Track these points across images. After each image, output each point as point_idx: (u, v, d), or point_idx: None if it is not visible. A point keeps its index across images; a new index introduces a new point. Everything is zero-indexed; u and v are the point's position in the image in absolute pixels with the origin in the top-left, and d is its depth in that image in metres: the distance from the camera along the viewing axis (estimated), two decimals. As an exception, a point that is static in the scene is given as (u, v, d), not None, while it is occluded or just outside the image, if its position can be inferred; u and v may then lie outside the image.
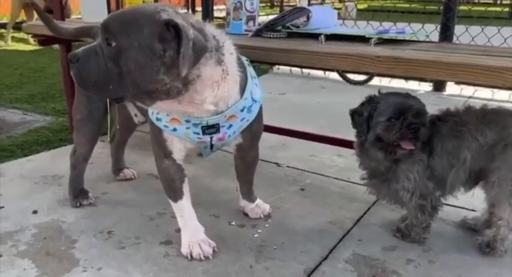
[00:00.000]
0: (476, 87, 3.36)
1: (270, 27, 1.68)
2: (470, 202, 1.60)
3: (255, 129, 1.41)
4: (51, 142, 2.33)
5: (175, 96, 1.14)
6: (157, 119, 1.30)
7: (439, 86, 3.45)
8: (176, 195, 1.41)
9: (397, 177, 1.44)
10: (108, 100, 1.61)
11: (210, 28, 1.20)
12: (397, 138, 1.36)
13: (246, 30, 1.76)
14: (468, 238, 1.52)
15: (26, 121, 2.71)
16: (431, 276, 1.34)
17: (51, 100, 3.10)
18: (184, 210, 1.42)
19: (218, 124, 1.28)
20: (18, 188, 1.82)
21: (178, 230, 1.50)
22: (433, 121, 1.45)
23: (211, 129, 1.27)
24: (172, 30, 1.08)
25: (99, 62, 1.10)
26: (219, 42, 1.20)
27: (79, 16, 2.31)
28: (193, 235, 1.43)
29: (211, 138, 1.29)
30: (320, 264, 1.38)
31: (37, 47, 4.96)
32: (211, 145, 1.33)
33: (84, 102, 1.62)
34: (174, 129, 1.29)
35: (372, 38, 1.49)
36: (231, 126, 1.31)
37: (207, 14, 2.60)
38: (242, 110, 1.30)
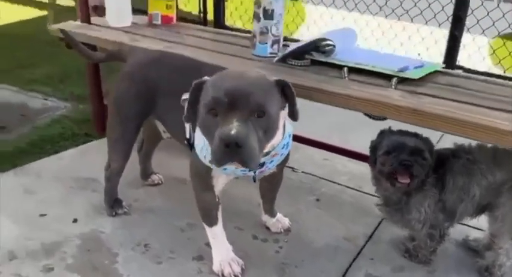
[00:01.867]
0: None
1: (294, 55, 1.75)
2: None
3: (286, 158, 1.54)
4: (77, 137, 2.44)
5: None
6: (210, 162, 1.39)
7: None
8: (212, 222, 1.55)
9: (409, 208, 1.59)
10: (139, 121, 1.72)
11: None
12: (389, 171, 1.50)
13: (270, 53, 1.83)
14: (469, 259, 1.69)
15: (48, 108, 2.80)
16: (434, 298, 1.53)
17: (69, 82, 3.17)
18: (218, 234, 1.58)
19: (264, 162, 1.40)
20: (56, 192, 1.96)
21: (208, 244, 1.66)
22: (447, 156, 1.58)
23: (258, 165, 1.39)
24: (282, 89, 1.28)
25: (254, 137, 1.19)
26: None
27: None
28: (223, 254, 1.59)
29: (254, 172, 1.42)
30: (337, 284, 1.57)
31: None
32: (254, 178, 1.46)
33: (117, 123, 1.71)
34: (225, 169, 1.39)
35: (393, 78, 1.58)
36: (272, 161, 1.43)
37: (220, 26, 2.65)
38: (282, 148, 1.42)
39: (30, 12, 5.08)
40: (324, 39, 1.76)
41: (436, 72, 1.73)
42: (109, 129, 1.76)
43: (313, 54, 1.77)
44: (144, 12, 2.42)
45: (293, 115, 1.30)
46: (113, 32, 2.12)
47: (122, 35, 2.06)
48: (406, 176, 1.48)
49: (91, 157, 2.24)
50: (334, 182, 2.14)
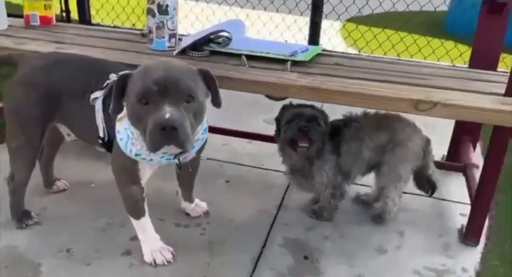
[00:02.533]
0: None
1: (194, 46, 1.84)
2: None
3: (204, 144, 1.64)
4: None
5: None
6: (137, 155, 1.43)
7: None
8: (139, 214, 1.59)
9: (312, 173, 1.81)
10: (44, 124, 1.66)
11: None
12: (291, 137, 1.71)
13: (168, 47, 1.90)
14: (363, 210, 1.99)
15: None
16: (343, 247, 1.77)
17: None
18: (145, 225, 1.61)
19: None
20: None
21: (133, 238, 1.70)
22: (339, 126, 1.83)
23: (181, 153, 1.46)
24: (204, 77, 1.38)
25: (187, 120, 1.27)
26: None
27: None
28: (153, 244, 1.63)
29: (179, 159, 1.49)
30: (262, 252, 1.72)
31: None
32: (179, 165, 1.52)
33: (19, 132, 1.63)
34: (151, 160, 1.45)
35: (287, 62, 1.77)
36: (193, 146, 1.51)
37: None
38: (202, 133, 1.51)
39: None
40: (220, 31, 1.88)
41: (318, 54, 1.97)
42: (10, 138, 1.66)
43: (211, 45, 1.88)
44: (14, 15, 2.29)
45: (217, 102, 1.41)
46: (-10, 36, 1.97)
47: (2, 39, 1.93)
48: (305, 140, 1.69)
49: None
50: (238, 164, 2.29)
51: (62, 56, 1.68)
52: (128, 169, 1.50)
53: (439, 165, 2.08)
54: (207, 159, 2.29)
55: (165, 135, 1.24)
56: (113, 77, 1.53)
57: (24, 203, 1.78)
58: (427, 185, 1.94)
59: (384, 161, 1.83)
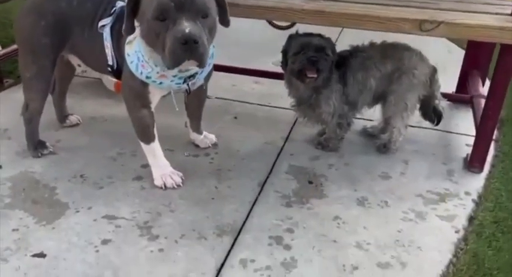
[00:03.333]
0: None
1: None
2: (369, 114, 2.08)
3: (211, 70, 1.67)
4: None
5: None
6: (147, 77, 1.48)
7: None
8: (149, 139, 1.64)
9: (319, 103, 1.83)
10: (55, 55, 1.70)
11: None
12: (299, 68, 1.71)
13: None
14: (369, 142, 2.01)
15: None
16: (348, 174, 1.81)
17: None
18: (155, 150, 1.67)
19: (197, 72, 1.51)
20: (-33, 146, 1.88)
21: (144, 166, 1.77)
22: (346, 57, 1.83)
23: (191, 78, 1.50)
24: None
25: (204, 35, 1.31)
26: None
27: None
28: (163, 169, 1.70)
29: (188, 84, 1.53)
30: (268, 177, 1.77)
31: None
32: (189, 90, 1.56)
33: (31, 60, 1.68)
34: (161, 83, 1.49)
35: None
36: (202, 71, 1.55)
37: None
38: (209, 58, 1.53)
39: None
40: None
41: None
42: (23, 68, 1.72)
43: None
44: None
45: (225, 21, 1.43)
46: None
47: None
48: (313, 71, 1.70)
49: (-5, 109, 2.14)
50: (246, 102, 2.32)
51: None
52: (138, 93, 1.54)
53: (447, 96, 2.08)
54: (216, 98, 2.32)
55: (185, 49, 1.26)
56: (120, 3, 1.55)
57: (38, 133, 1.85)
58: (433, 115, 1.94)
59: (390, 90, 1.84)
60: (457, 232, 1.55)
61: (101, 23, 1.56)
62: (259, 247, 1.44)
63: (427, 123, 2.03)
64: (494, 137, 2.02)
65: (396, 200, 1.68)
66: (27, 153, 1.83)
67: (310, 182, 1.75)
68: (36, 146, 1.83)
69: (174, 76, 1.49)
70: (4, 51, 2.39)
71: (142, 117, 1.59)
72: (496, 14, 1.58)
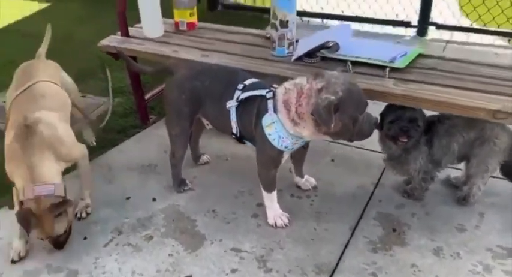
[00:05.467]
0: (452, 32, 3.97)
1: (308, 54, 2.25)
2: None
3: None
4: (127, 129, 2.94)
5: None
6: (286, 147, 1.98)
7: (422, 31, 4.03)
8: (272, 189, 2.13)
9: (408, 161, 2.17)
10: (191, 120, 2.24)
11: None
12: (393, 133, 2.07)
13: (287, 53, 2.33)
14: (450, 192, 2.31)
15: (92, 104, 3.24)
16: (428, 223, 2.15)
17: (96, 77, 3.59)
18: (274, 197, 2.16)
19: None
20: (130, 179, 2.50)
21: (259, 205, 2.26)
22: (433, 122, 2.14)
23: None
24: None
25: None
26: None
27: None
28: (275, 211, 2.18)
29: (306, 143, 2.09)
30: (358, 222, 2.17)
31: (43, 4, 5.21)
32: (305, 146, 2.15)
33: (176, 123, 2.23)
34: (292, 148, 2.01)
35: (386, 68, 2.11)
36: None
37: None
38: None
39: (28, 6, 5.31)
40: (330, 41, 2.25)
41: (418, 55, 2.25)
42: (169, 127, 2.27)
43: (322, 51, 2.27)
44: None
45: None
46: (152, 43, 2.57)
47: (162, 47, 2.52)
48: (404, 137, 2.06)
49: (145, 145, 2.77)
50: (343, 144, 2.70)
51: (203, 67, 2.20)
52: (274, 159, 2.03)
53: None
54: (317, 139, 2.74)
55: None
56: (240, 85, 2.03)
57: (181, 173, 2.42)
58: None
59: (473, 154, 2.12)
60: (518, 287, 1.84)
61: (228, 104, 2.05)
62: (349, 287, 1.87)
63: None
64: None
65: (468, 252, 2.00)
66: (173, 188, 2.42)
67: (394, 230, 2.13)
68: (180, 184, 2.40)
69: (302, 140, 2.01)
70: (150, 94, 3.00)
71: (272, 175, 2.09)
72: None
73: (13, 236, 2.05)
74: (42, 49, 2.60)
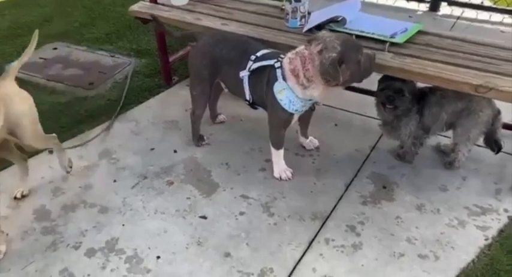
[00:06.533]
0: (464, 9, 4.11)
1: (318, 26, 2.49)
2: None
3: None
4: (153, 88, 3.23)
5: None
6: (296, 110, 2.24)
7: (434, 7, 4.17)
8: (280, 147, 2.42)
9: (399, 127, 2.44)
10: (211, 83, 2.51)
11: None
12: (382, 100, 2.35)
13: (299, 25, 2.57)
14: (438, 158, 2.58)
15: (118, 64, 3.53)
16: (415, 183, 2.43)
17: (125, 39, 3.86)
18: (281, 154, 2.45)
19: None
20: (154, 133, 2.82)
21: (267, 160, 2.55)
22: (426, 92, 2.38)
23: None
24: None
25: None
26: None
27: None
28: (281, 166, 2.48)
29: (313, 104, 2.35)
30: (353, 179, 2.47)
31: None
32: (313, 107, 2.42)
33: (197, 84, 2.51)
34: (301, 111, 2.28)
35: (387, 42, 2.34)
36: None
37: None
38: None
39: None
40: (339, 16, 2.48)
41: (417, 32, 2.47)
42: (192, 88, 2.56)
43: (331, 24, 2.50)
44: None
45: None
46: (178, 11, 2.83)
47: (186, 14, 2.78)
48: (390, 104, 2.33)
49: (169, 104, 3.07)
50: (346, 110, 2.97)
51: (223, 36, 2.46)
52: (285, 120, 2.31)
53: (508, 127, 2.55)
54: (323, 104, 3.00)
55: None
56: (252, 56, 2.28)
57: (200, 130, 2.72)
58: (494, 145, 2.43)
59: (458, 123, 2.38)
60: (486, 240, 2.13)
61: (241, 74, 2.31)
62: (339, 232, 2.18)
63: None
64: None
65: (447, 209, 2.28)
66: (192, 142, 2.73)
67: (384, 187, 2.42)
68: (198, 139, 2.71)
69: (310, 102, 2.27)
70: (174, 57, 3.28)
71: (282, 135, 2.38)
72: (545, 82, 2.02)
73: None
74: (17, 64, 2.13)
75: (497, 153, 2.46)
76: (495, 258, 2.04)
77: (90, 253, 2.09)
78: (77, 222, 2.24)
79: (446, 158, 2.52)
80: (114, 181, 2.48)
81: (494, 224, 2.20)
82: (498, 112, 2.36)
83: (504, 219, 2.22)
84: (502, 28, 3.88)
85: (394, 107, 2.32)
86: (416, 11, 4.23)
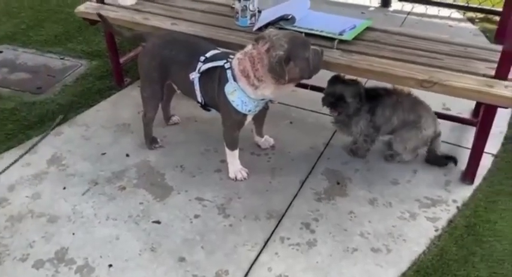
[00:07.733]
0: (413, 4, 4.20)
1: (268, 25, 2.48)
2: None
3: None
4: (104, 91, 3.14)
5: None
6: (249, 111, 2.22)
7: (385, 3, 4.25)
8: (234, 147, 2.40)
9: (350, 125, 2.47)
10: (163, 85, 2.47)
11: None
12: (324, 106, 2.40)
13: (249, 24, 2.55)
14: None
15: (67, 67, 3.42)
16: (367, 178, 2.47)
17: (74, 41, 3.75)
18: (235, 154, 2.43)
19: None
20: (106, 137, 2.74)
21: (222, 161, 2.53)
22: (381, 94, 2.42)
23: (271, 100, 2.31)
24: None
25: None
26: None
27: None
28: (236, 166, 2.46)
29: (267, 104, 2.34)
30: (307, 177, 2.48)
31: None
32: (267, 107, 2.40)
33: (148, 86, 2.46)
34: (255, 111, 2.26)
35: (335, 40, 2.35)
36: None
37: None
38: None
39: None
40: (288, 15, 2.48)
41: (365, 28, 2.50)
42: (142, 90, 2.51)
43: (280, 23, 2.50)
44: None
45: None
46: (125, 11, 2.76)
47: (134, 14, 2.71)
48: (334, 111, 2.38)
49: (120, 106, 3.00)
50: (301, 108, 2.99)
51: (172, 37, 2.42)
52: (239, 121, 2.28)
53: (459, 120, 2.62)
54: (278, 103, 2.99)
55: None
56: (202, 57, 2.25)
57: (152, 132, 2.67)
58: (442, 161, 2.50)
59: (399, 133, 2.44)
60: (436, 230, 2.18)
61: (191, 76, 2.27)
62: (294, 229, 2.19)
63: (444, 136, 2.56)
64: (495, 153, 2.57)
65: (398, 202, 2.33)
66: (144, 145, 2.67)
67: (338, 183, 2.44)
68: (151, 141, 2.66)
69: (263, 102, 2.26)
70: (125, 58, 3.20)
71: (236, 135, 2.36)
72: (483, 75, 2.08)
73: None
74: None
75: (456, 164, 2.50)
76: (445, 248, 2.10)
77: (38, 264, 2.01)
78: (24, 233, 2.16)
79: (388, 151, 2.58)
80: (64, 188, 2.40)
81: (444, 215, 2.26)
82: (439, 134, 2.45)
83: (453, 210, 2.28)
84: (450, 23, 4.00)
85: (338, 112, 2.36)
86: (368, 7, 4.30)
